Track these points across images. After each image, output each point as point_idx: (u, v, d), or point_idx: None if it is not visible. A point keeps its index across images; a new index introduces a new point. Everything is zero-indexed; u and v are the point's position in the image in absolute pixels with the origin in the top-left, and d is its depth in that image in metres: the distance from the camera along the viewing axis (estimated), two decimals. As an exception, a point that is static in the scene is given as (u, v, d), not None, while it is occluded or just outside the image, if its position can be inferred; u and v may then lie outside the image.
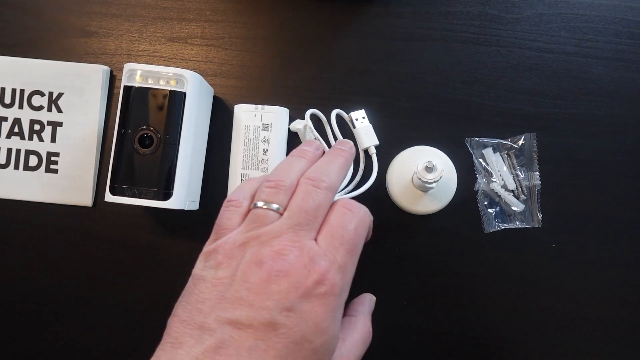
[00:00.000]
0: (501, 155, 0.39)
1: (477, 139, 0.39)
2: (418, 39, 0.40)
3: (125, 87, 0.33)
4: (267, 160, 0.37)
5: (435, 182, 0.34)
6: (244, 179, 0.37)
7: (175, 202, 0.33)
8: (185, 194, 0.34)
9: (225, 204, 0.28)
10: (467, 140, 0.39)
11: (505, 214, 0.39)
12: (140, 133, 0.33)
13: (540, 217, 0.38)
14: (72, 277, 0.39)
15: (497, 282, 0.38)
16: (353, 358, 0.27)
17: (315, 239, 0.26)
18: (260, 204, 0.27)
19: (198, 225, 0.39)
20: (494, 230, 0.38)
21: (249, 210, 0.27)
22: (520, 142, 0.39)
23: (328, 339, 0.24)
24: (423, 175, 0.33)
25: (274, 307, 0.23)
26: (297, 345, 0.22)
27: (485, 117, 0.39)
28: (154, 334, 0.38)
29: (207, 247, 0.27)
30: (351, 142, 0.33)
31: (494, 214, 0.38)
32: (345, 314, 0.29)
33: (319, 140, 0.36)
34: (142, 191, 0.33)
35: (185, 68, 0.39)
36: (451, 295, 0.38)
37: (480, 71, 0.40)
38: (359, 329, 0.28)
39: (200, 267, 0.26)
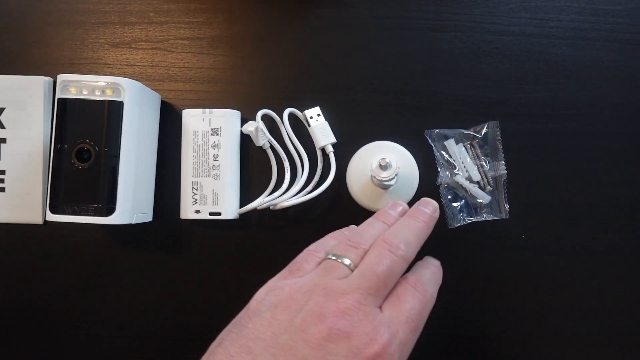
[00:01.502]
0: (464, 146, 0.37)
1: (437, 130, 0.37)
2: (372, 29, 0.38)
3: (59, 99, 0.32)
4: (219, 166, 0.35)
5: (391, 179, 0.32)
6: (195, 187, 0.36)
7: (119, 217, 0.32)
8: (131, 207, 0.33)
9: (305, 250, 0.29)
10: (426, 132, 0.37)
11: (470, 207, 0.37)
12: (77, 147, 0.31)
13: (507, 208, 0.37)
14: (27, 298, 0.37)
15: (466, 278, 0.37)
16: None
17: (380, 308, 0.25)
18: (333, 256, 0.27)
19: (153, 236, 0.37)
20: (459, 224, 0.37)
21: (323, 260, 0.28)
22: (483, 131, 0.37)
23: None
24: (377, 173, 0.32)
25: None
26: None
27: (446, 107, 0.38)
28: (119, 351, 0.37)
29: (276, 282, 0.27)
30: (435, 204, 0.31)
31: (459, 207, 0.37)
32: None
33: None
34: (84, 208, 0.31)
35: (130, 74, 0.38)
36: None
37: (439, 59, 0.38)
38: None
39: (259, 298, 0.26)
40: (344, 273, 0.26)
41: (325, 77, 0.38)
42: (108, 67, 0.38)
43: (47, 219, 0.32)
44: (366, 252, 0.27)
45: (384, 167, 0.32)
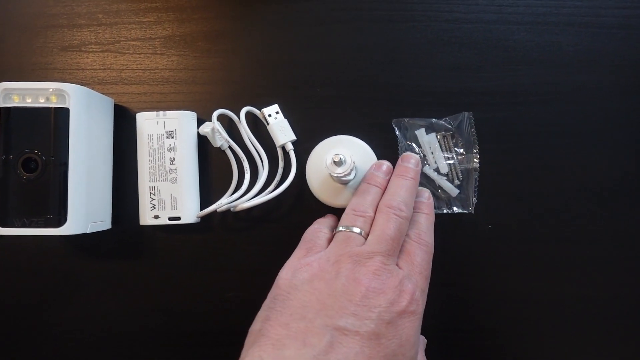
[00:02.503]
0: (436, 137, 0.37)
1: (406, 119, 0.36)
2: (328, 22, 0.37)
3: (2, 108, 0.31)
4: (175, 169, 0.35)
5: (347, 175, 0.31)
6: (153, 192, 0.35)
7: (71, 227, 0.31)
8: (84, 216, 0.32)
9: (308, 230, 0.32)
10: (394, 121, 0.36)
11: (438, 199, 0.37)
12: (23, 157, 0.30)
13: (475, 202, 0.36)
14: (-13, 313, 0.37)
15: (433, 270, 0.37)
16: None
17: (397, 264, 0.29)
18: (342, 228, 0.30)
19: (113, 244, 0.37)
20: (425, 216, 0.36)
21: (332, 235, 0.31)
22: (457, 122, 0.36)
23: (415, 354, 0.27)
24: (332, 169, 0.31)
25: (376, 319, 0.25)
26: (394, 355, 0.25)
27: (407, 98, 0.37)
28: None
29: (299, 260, 0.29)
30: (417, 157, 0.34)
31: (425, 199, 0.36)
32: None
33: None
34: (34, 220, 0.30)
35: (82, 78, 0.37)
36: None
37: (397, 50, 0.37)
38: None
39: (287, 277, 0.28)
40: (360, 241, 0.29)
41: (282, 73, 0.37)
42: (58, 72, 0.37)
43: (-4, 233, 0.31)
44: (372, 219, 0.30)
45: (338, 163, 0.31)
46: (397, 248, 0.29)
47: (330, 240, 0.31)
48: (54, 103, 0.31)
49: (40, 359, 0.36)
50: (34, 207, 0.30)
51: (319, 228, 0.32)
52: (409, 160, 0.34)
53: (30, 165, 0.31)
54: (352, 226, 0.30)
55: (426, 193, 0.34)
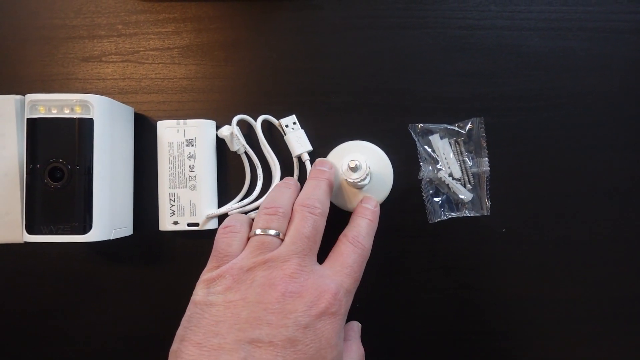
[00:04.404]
0: (449, 142, 0.37)
1: (421, 125, 0.37)
2: (342, 29, 0.38)
3: (28, 120, 0.32)
4: (195, 177, 0.35)
5: (363, 180, 0.32)
6: (172, 198, 0.36)
7: (96, 234, 0.32)
8: (108, 223, 0.33)
9: (221, 230, 0.30)
10: (410, 126, 0.37)
11: (452, 202, 0.37)
12: (50, 167, 0.31)
13: (489, 205, 0.37)
14: (12, 316, 0.37)
15: (447, 273, 0.37)
16: None
17: (322, 263, 0.29)
18: (259, 231, 0.29)
19: (135, 249, 0.37)
20: (439, 219, 0.37)
21: (248, 237, 0.30)
22: (467, 127, 0.37)
23: (337, 355, 0.26)
24: (348, 175, 0.32)
25: (292, 325, 0.25)
26: (312, 359, 0.25)
27: (420, 104, 0.38)
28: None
29: (210, 273, 0.28)
30: (330, 162, 0.34)
31: (440, 202, 0.37)
32: None
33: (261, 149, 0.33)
34: (60, 227, 0.31)
35: (102, 88, 0.38)
36: (400, 291, 0.37)
37: (410, 56, 0.38)
38: (355, 351, 0.30)
39: (202, 294, 0.27)
40: (275, 244, 0.28)
41: (298, 81, 0.38)
42: (79, 82, 0.38)
43: (24, 239, 0.32)
44: (286, 216, 0.30)
45: (354, 169, 0.32)
46: (315, 247, 0.29)
47: (245, 243, 0.29)
48: (78, 114, 0.32)
49: (65, 361, 0.38)
50: (60, 215, 0.31)
51: (231, 226, 0.30)
52: (323, 164, 0.34)
53: (56, 174, 0.31)
54: (266, 228, 0.29)
55: (373, 202, 0.34)
